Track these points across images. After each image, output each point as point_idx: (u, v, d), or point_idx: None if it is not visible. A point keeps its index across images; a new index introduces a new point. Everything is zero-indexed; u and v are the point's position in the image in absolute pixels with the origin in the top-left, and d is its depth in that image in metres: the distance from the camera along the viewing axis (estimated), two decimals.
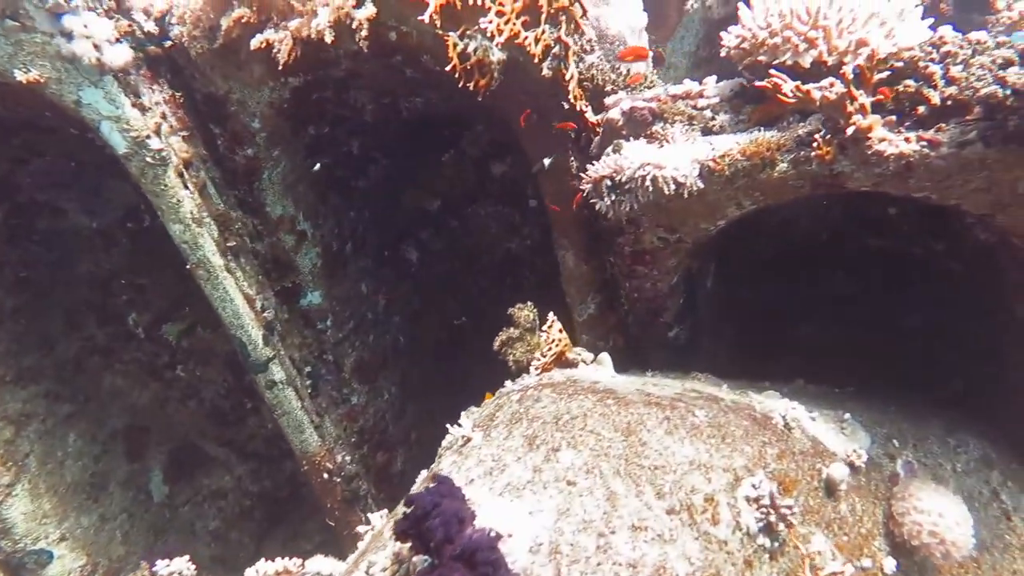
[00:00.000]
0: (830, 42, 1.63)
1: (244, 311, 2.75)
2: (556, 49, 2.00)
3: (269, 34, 2.09)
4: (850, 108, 1.58)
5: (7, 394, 3.28)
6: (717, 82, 2.01)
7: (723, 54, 1.84)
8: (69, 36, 2.11)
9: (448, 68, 2.00)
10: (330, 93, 2.58)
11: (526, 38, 1.97)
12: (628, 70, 2.23)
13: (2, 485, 3.21)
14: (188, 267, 2.60)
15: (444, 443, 1.87)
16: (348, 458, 3.27)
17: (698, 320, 2.47)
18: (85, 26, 2.11)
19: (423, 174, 3.39)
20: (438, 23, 1.98)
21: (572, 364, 2.01)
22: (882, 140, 1.56)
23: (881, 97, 1.61)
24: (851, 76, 1.56)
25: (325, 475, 3.19)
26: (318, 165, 2.83)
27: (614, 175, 1.88)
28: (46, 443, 3.50)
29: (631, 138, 1.98)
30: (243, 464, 4.36)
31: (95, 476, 3.80)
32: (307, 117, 2.65)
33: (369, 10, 2.02)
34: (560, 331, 2.01)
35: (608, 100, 2.10)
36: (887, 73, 1.62)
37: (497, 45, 2.01)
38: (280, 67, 2.18)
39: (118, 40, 2.22)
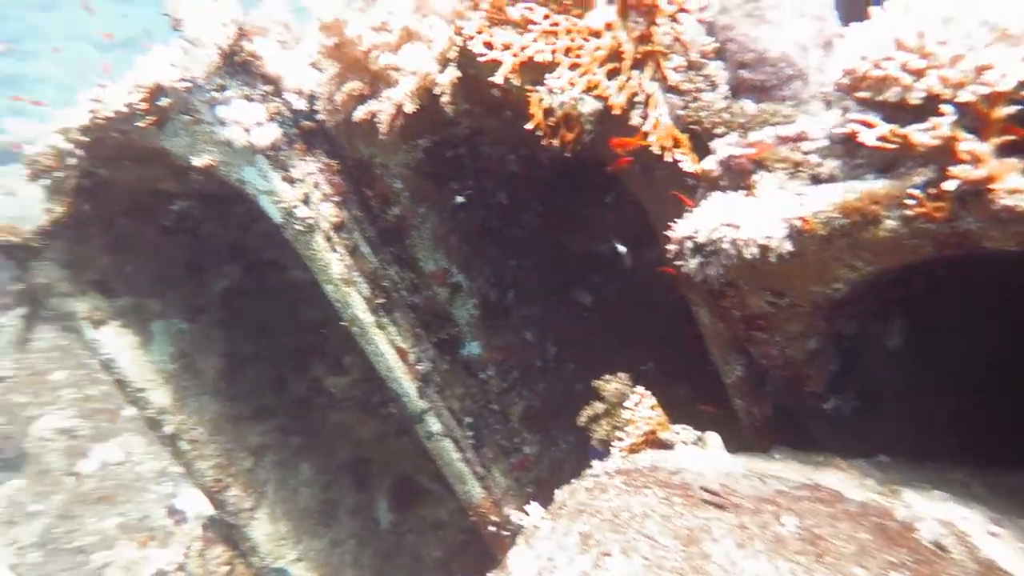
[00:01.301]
0: (940, 71, 1.19)
1: (396, 365, 2.85)
2: (639, 97, 1.77)
3: (372, 105, 2.17)
4: (961, 154, 1.13)
5: (247, 429, 3.82)
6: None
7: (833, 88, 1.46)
8: (224, 124, 2.39)
9: (531, 126, 1.88)
10: (463, 150, 2.59)
11: (607, 88, 1.77)
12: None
13: (246, 509, 3.70)
14: (343, 323, 2.78)
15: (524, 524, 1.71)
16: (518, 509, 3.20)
17: (873, 388, 1.95)
18: (235, 114, 2.37)
19: (589, 218, 3.24)
20: (518, 81, 1.88)
21: (668, 445, 1.71)
22: (1014, 192, 1.09)
23: (1014, 137, 1.13)
24: (954, 114, 1.12)
25: (492, 527, 3.15)
26: (460, 199, 2.84)
27: (694, 236, 1.58)
28: (281, 472, 3.98)
29: (729, 190, 1.65)
30: (454, 500, 4.53)
31: (325, 503, 4.23)
32: (447, 173, 2.70)
33: (452, 74, 1.98)
34: (652, 407, 1.72)
35: (711, 145, 1.79)
36: (1017, 107, 1.14)
37: (582, 96, 1.84)
38: (401, 132, 2.25)
39: (270, 120, 2.48)
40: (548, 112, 1.88)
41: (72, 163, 2.50)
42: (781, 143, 1.62)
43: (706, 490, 1.42)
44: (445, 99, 1.99)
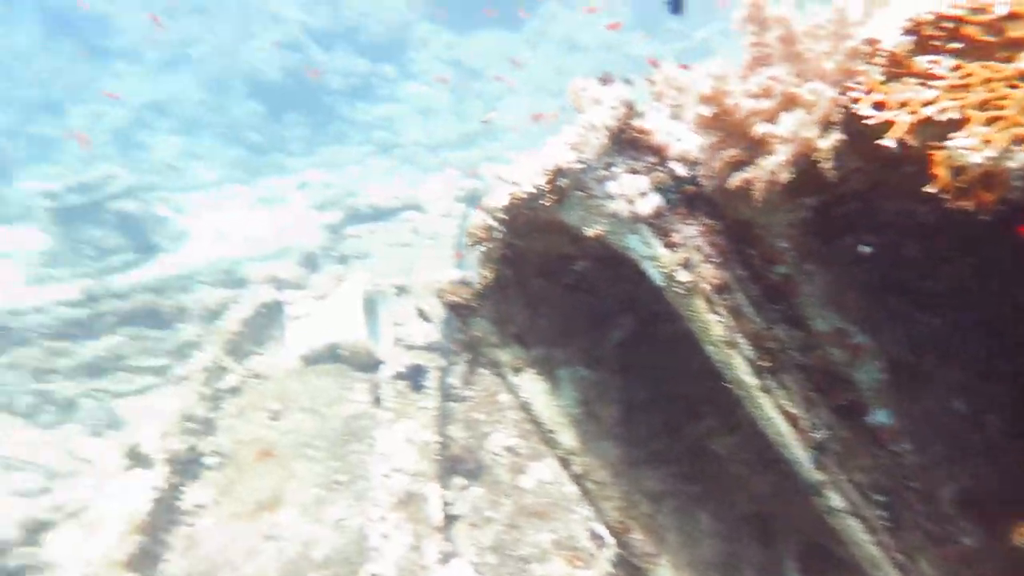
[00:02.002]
0: None
1: (786, 431, 2.68)
2: None
3: (747, 173, 2.11)
4: None
5: (644, 474, 4.00)
6: None
7: None
8: (611, 197, 2.60)
9: (933, 189, 1.61)
10: (856, 205, 2.34)
11: None
12: None
13: (649, 553, 3.87)
14: (726, 384, 2.73)
15: None
16: None
17: None
18: (621, 188, 2.56)
19: None
20: (915, 141, 1.64)
21: None
22: None
23: None
24: None
25: None
26: (864, 249, 2.55)
27: None
28: (680, 519, 4.06)
29: None
30: None
31: (729, 557, 4.17)
32: (838, 230, 2.46)
33: (833, 139, 1.82)
34: None
35: None
36: None
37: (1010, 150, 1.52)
38: (780, 195, 2.16)
39: (653, 189, 2.61)
40: (958, 171, 1.59)
41: (497, 236, 3.01)
42: None
43: None
44: (827, 165, 1.84)
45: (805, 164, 2.02)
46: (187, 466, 4.82)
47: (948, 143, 1.58)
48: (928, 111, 1.64)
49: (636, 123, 2.62)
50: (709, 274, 2.68)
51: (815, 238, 2.47)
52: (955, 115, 1.57)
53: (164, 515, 4.38)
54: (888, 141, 1.67)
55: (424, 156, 18.48)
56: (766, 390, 2.67)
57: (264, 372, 6.14)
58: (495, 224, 2.91)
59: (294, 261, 8.89)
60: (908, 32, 1.82)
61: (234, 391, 5.75)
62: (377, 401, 5.68)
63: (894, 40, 1.84)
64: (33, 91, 23.18)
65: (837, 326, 2.62)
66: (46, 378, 7.44)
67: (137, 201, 12.65)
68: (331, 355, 6.12)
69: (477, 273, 3.16)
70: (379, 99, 22.96)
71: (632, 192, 2.56)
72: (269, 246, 11.50)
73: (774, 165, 2.08)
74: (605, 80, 2.78)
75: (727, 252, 2.71)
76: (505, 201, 2.81)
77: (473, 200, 10.98)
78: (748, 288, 2.73)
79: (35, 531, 5.06)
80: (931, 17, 1.79)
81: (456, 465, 5.52)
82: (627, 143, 2.61)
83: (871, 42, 1.86)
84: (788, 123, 2.03)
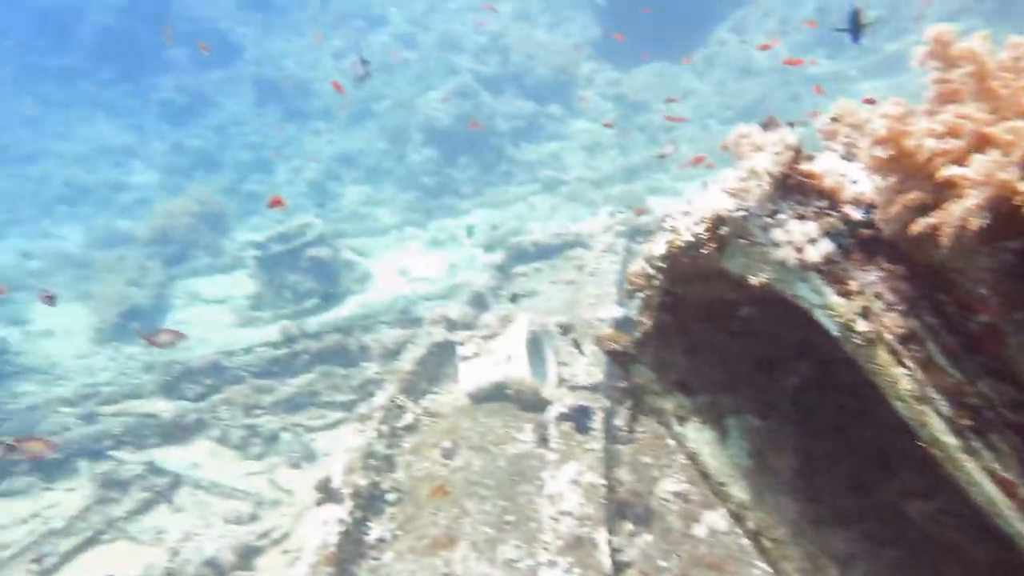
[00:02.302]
0: None
1: (998, 498, 2.35)
2: None
3: (932, 218, 1.93)
4: None
5: (829, 533, 3.67)
6: None
7: None
8: (777, 245, 2.48)
9: None
10: None
11: None
12: None
13: None
14: (921, 444, 2.46)
15: None
16: None
17: None
18: (787, 235, 2.44)
19: None
20: None
21: None
22: None
23: None
24: None
25: None
26: None
27: None
28: None
29: None
30: None
31: None
32: None
33: None
34: None
35: None
36: None
37: None
38: (977, 239, 1.95)
39: (824, 234, 2.45)
40: None
41: (656, 284, 2.96)
42: None
43: None
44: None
45: (1004, 207, 1.81)
46: (370, 501, 5.15)
47: None
48: None
49: (804, 167, 2.48)
50: (893, 323, 2.45)
51: (1022, 283, 2.18)
52: None
53: (351, 548, 4.69)
54: None
55: (589, 192, 18.65)
56: (970, 452, 2.37)
57: (437, 410, 6.45)
58: (653, 272, 2.87)
59: (463, 300, 9.29)
60: None
61: (409, 429, 6.08)
62: (544, 441, 5.74)
63: None
64: (246, 153, 26.41)
65: None
66: (253, 413, 8.33)
67: (328, 248, 13.94)
68: (498, 394, 6.29)
69: (637, 319, 3.13)
70: (545, 138, 23.60)
71: (800, 239, 2.42)
72: (441, 286, 12.15)
73: (965, 210, 1.88)
74: (768, 124, 2.68)
75: (915, 299, 2.46)
76: (663, 249, 2.78)
77: (635, 235, 10.88)
78: (943, 338, 2.46)
79: (247, 556, 5.63)
80: None
81: (624, 509, 5.41)
82: (793, 188, 2.48)
83: None
84: (981, 164, 1.84)
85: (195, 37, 31.52)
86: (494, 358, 6.40)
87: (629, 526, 4.66)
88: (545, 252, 11.18)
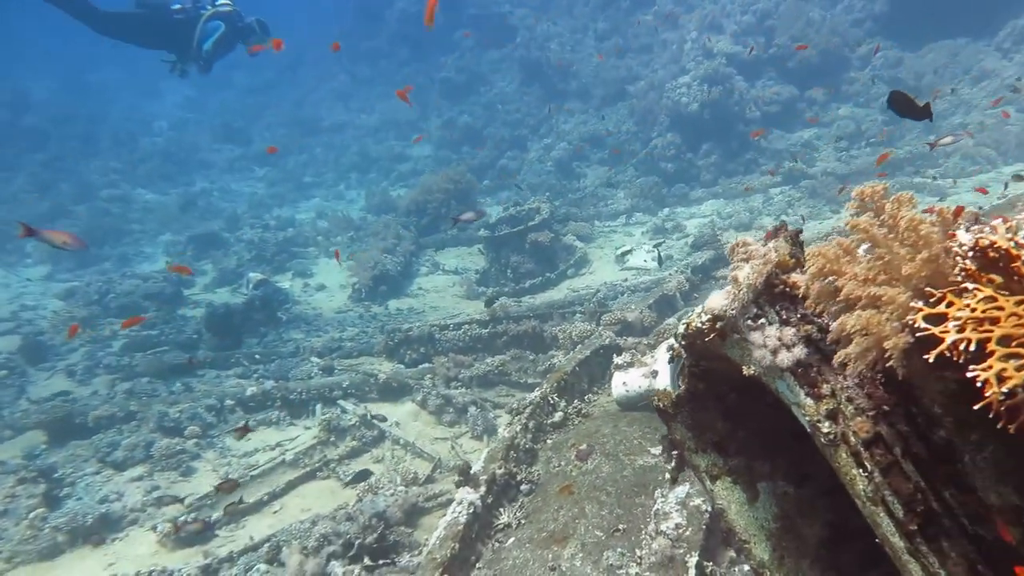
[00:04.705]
0: None
1: None
2: None
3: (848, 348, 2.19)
4: None
5: None
6: None
7: None
8: (756, 346, 2.79)
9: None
10: None
11: None
12: None
13: None
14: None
15: None
16: None
17: None
18: (764, 339, 2.75)
19: None
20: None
21: None
22: None
23: None
24: None
25: None
26: None
27: None
28: None
29: None
30: None
31: None
32: None
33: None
34: None
35: None
36: None
37: None
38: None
39: (800, 339, 2.71)
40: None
41: (683, 355, 3.34)
42: None
43: None
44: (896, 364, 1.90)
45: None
46: (504, 489, 6.01)
47: None
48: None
49: (791, 277, 2.75)
50: (860, 427, 2.63)
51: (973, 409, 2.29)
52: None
53: (479, 528, 5.57)
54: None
55: (832, 186, 17.39)
56: (915, 555, 2.51)
57: (589, 411, 7.09)
58: (677, 346, 3.28)
59: (651, 301, 9.66)
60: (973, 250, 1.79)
61: (556, 426, 6.81)
62: (670, 458, 6.11)
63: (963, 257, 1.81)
64: (506, 130, 28.61)
65: (1012, 503, 2.35)
66: (452, 384, 9.67)
67: (551, 232, 15.01)
68: (643, 403, 6.75)
69: (675, 384, 3.51)
70: (800, 126, 22.22)
71: (773, 343, 2.71)
72: (648, 279, 12.52)
73: (859, 350, 2.13)
74: (778, 230, 2.94)
75: (889, 406, 2.61)
76: (681, 330, 3.18)
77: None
78: (912, 445, 2.58)
79: (412, 515, 6.79)
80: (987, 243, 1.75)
81: (730, 538, 5.65)
82: (777, 296, 2.76)
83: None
84: (862, 316, 2.08)
85: (479, 21, 34.59)
86: (644, 370, 6.86)
87: (731, 554, 4.97)
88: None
